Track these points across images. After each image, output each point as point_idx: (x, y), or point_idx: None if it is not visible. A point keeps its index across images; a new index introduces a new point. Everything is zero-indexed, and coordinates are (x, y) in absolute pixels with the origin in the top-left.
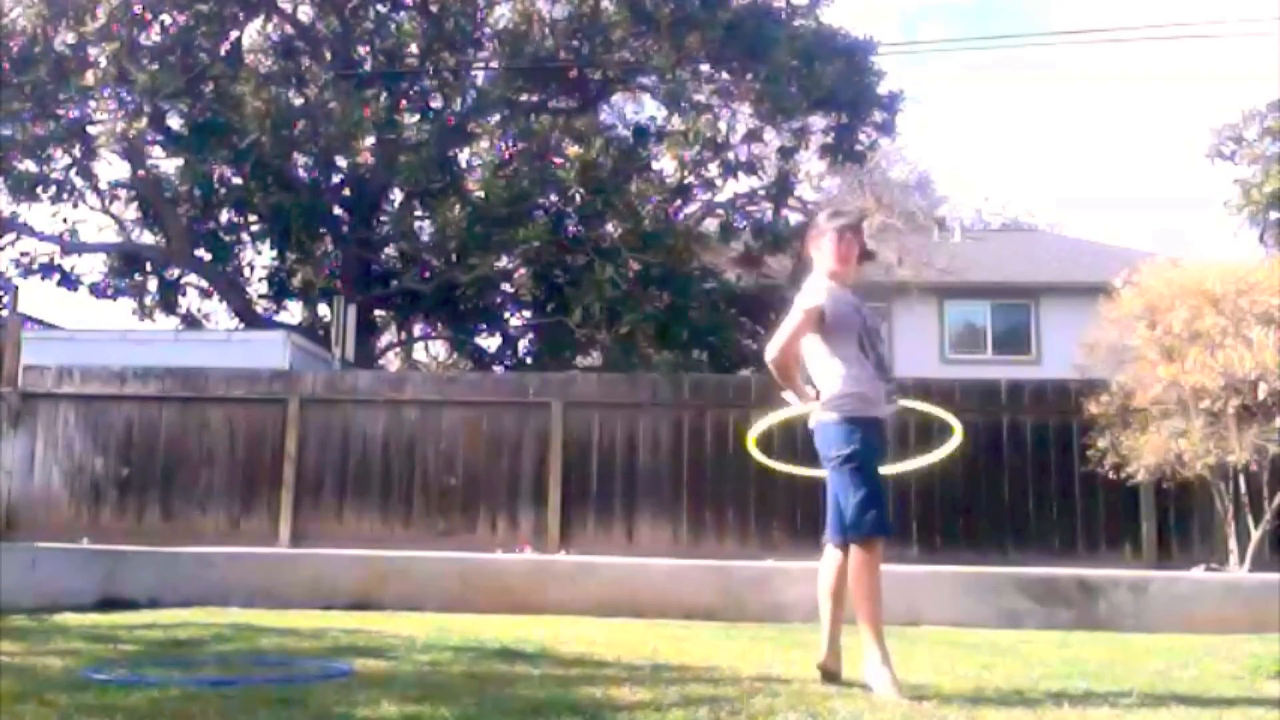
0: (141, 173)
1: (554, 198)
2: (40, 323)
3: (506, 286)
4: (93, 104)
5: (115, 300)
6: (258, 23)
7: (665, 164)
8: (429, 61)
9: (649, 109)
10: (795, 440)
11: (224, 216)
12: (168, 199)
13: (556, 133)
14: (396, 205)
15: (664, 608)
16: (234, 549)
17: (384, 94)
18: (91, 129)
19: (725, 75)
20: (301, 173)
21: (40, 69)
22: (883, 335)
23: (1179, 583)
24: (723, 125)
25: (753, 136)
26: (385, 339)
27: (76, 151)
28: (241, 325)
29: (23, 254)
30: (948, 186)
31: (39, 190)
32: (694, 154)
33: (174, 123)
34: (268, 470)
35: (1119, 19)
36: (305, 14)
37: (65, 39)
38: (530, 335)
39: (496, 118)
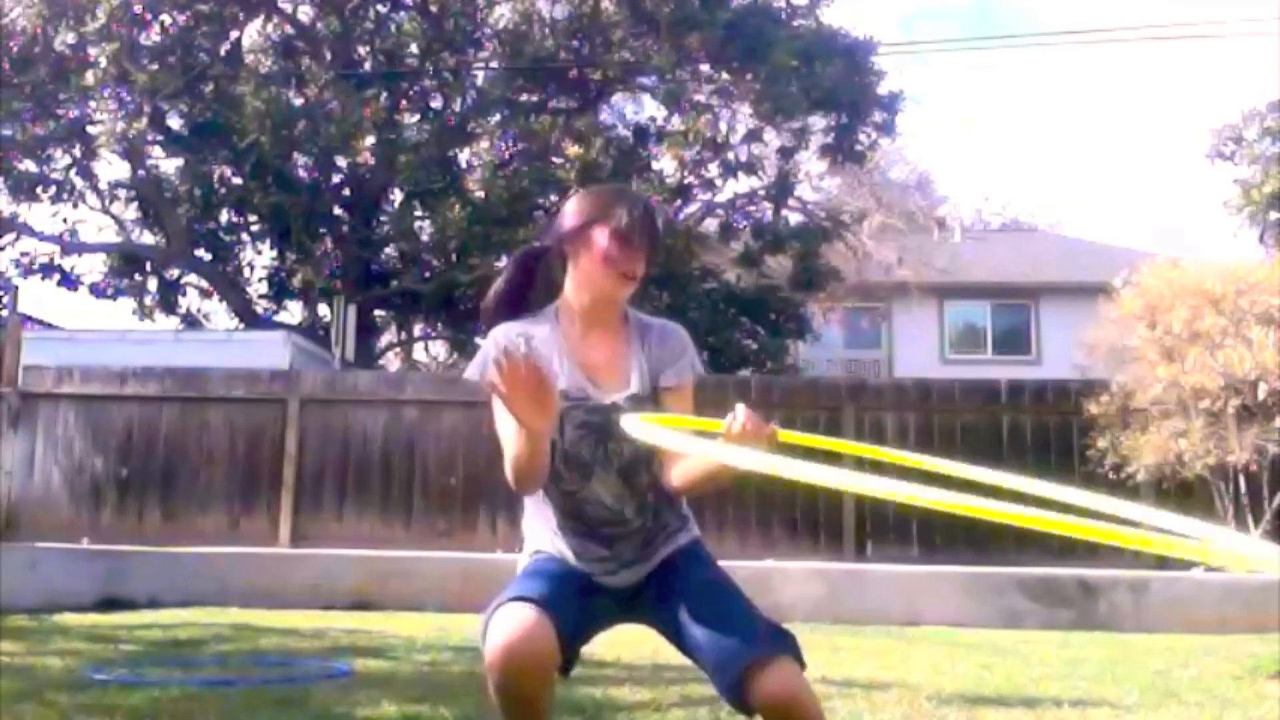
0: (141, 173)
1: (554, 198)
2: (40, 323)
3: None
4: (93, 104)
5: (115, 300)
6: (258, 23)
7: (665, 164)
8: (429, 61)
9: (649, 109)
10: None
11: (224, 216)
12: (168, 199)
13: (556, 133)
14: (396, 205)
15: None
16: (234, 549)
17: (384, 94)
18: (91, 129)
19: (725, 75)
20: (301, 173)
21: (40, 69)
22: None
23: (1179, 583)
24: (723, 125)
25: (753, 136)
26: (385, 339)
27: (76, 151)
28: (241, 325)
29: (23, 254)
30: (948, 186)
31: (39, 190)
32: (694, 154)
33: (174, 123)
34: (268, 470)
35: (1119, 19)
36: (305, 14)
37: (65, 39)
38: None
39: (496, 118)
